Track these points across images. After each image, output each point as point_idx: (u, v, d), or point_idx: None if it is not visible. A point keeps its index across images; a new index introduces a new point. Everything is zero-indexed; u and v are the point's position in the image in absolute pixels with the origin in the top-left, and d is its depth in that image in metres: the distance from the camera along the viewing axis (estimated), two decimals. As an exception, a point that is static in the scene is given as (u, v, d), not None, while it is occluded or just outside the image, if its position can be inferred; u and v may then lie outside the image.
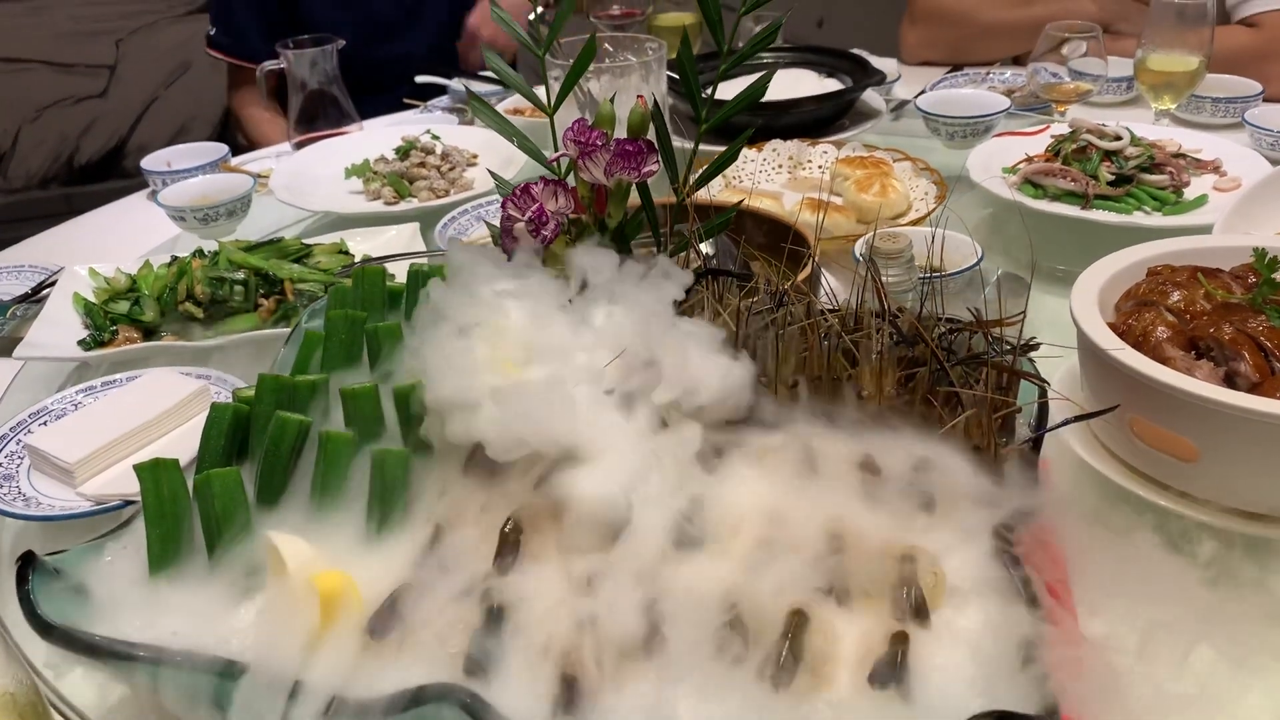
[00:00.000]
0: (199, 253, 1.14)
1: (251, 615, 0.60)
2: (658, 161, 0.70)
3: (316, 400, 0.70)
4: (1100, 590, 0.62)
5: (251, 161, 1.68)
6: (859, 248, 1.01)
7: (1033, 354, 0.70)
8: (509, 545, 0.60)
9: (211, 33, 2.00)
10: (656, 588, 0.57)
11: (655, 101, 0.83)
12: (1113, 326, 0.78)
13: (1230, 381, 0.73)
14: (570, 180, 0.73)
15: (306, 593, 0.59)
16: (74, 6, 3.29)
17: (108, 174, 3.52)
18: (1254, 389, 0.72)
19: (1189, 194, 1.22)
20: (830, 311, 0.69)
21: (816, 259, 0.71)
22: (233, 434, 0.69)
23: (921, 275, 0.76)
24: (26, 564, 0.61)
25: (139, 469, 0.65)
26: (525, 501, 0.62)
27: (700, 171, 0.74)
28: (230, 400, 0.71)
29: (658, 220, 0.73)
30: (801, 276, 0.77)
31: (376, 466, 0.64)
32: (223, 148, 1.57)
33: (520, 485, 0.63)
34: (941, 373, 0.66)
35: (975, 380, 0.67)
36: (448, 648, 0.56)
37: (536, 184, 0.70)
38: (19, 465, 0.89)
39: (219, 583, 0.62)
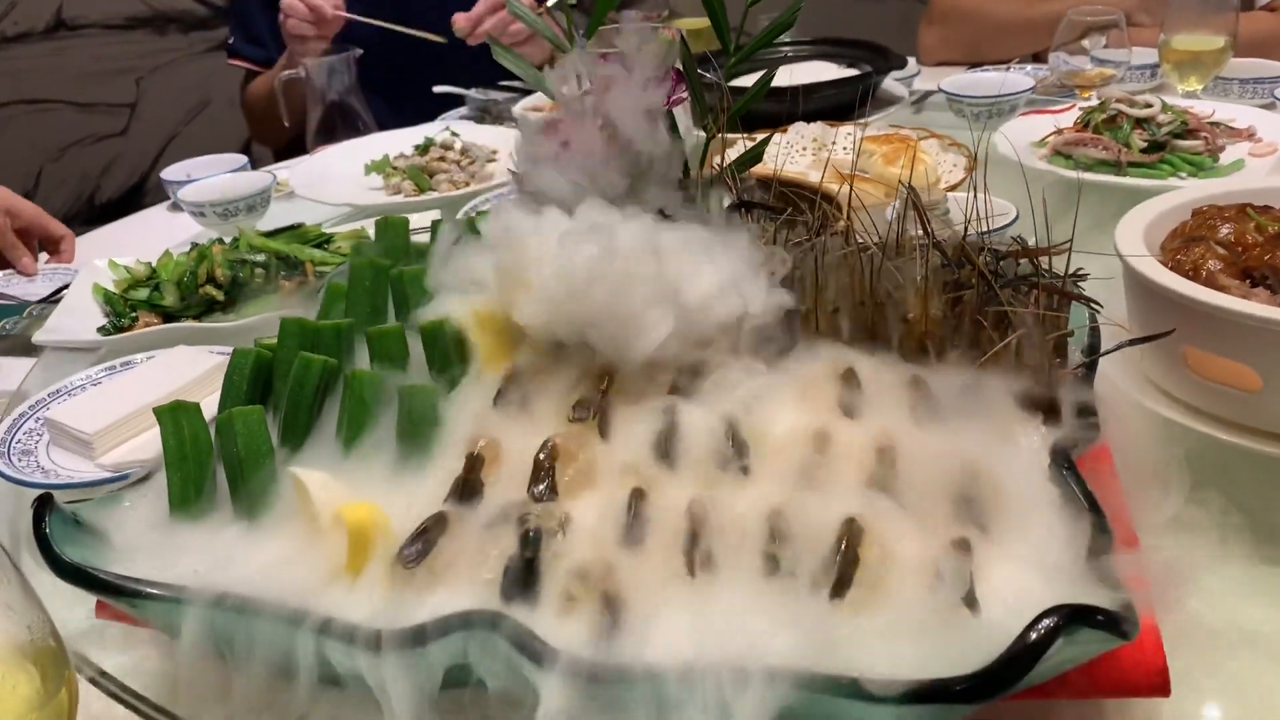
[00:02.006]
0: (219, 240, 1.13)
1: (276, 552, 0.58)
2: (685, 90, 0.68)
3: (342, 345, 0.68)
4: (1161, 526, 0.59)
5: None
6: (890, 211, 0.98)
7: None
8: (544, 472, 0.57)
9: (230, 42, 2.00)
10: (701, 507, 0.54)
11: (701, 90, 0.79)
12: (1161, 265, 0.75)
13: (1290, 308, 0.70)
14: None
15: (333, 525, 0.56)
16: (95, 46, 3.33)
17: (128, 211, 3.54)
18: (1315, 313, 0.68)
19: (1224, 159, 1.19)
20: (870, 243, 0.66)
21: (852, 192, 0.69)
22: (255, 380, 0.67)
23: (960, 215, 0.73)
24: (43, 506, 0.58)
25: (159, 411, 0.63)
26: (560, 429, 0.60)
27: (738, 104, 0.72)
28: (253, 357, 0.69)
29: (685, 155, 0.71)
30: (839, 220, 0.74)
31: (403, 401, 0.61)
32: (242, 158, 1.57)
33: (553, 415, 0.61)
34: (990, 294, 0.63)
35: (1024, 304, 0.64)
36: (484, 574, 0.54)
37: (560, 118, 0.68)
38: (38, 441, 0.87)
39: (242, 523, 0.60)
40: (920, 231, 0.67)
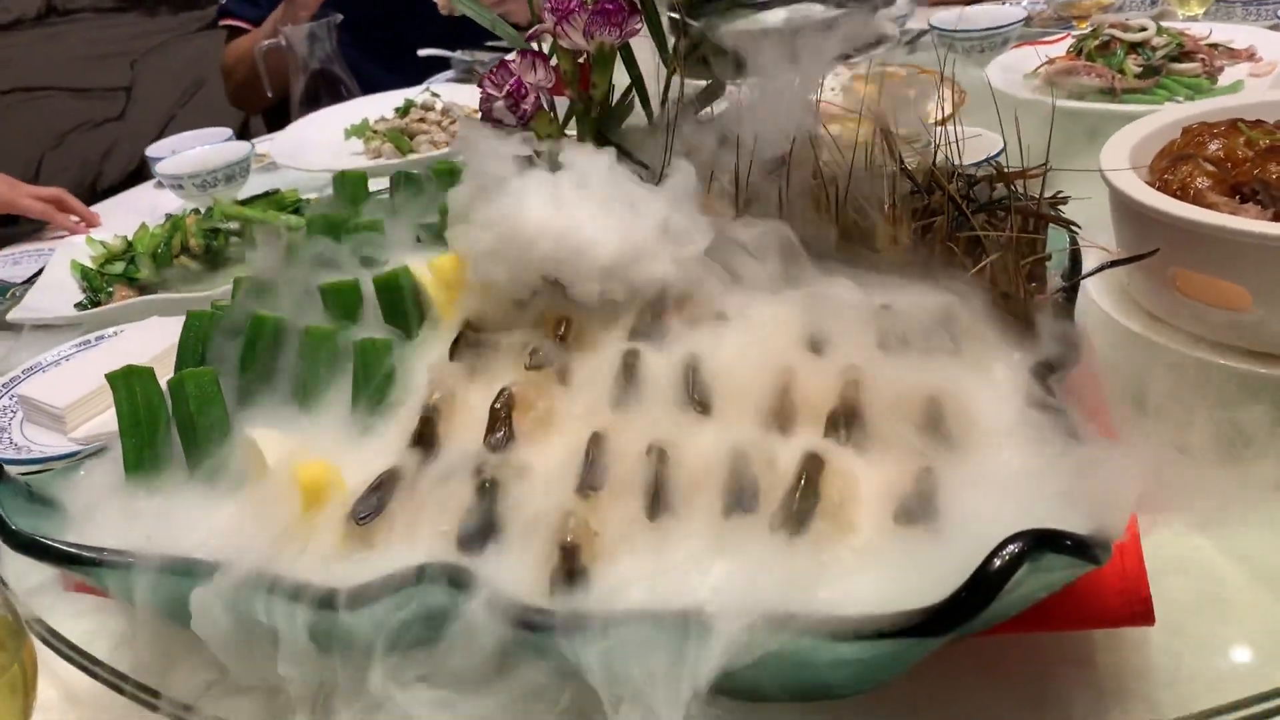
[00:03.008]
0: (195, 211, 1.11)
1: (231, 514, 0.56)
2: (640, 21, 0.65)
3: (297, 301, 0.66)
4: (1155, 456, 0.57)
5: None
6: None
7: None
8: (500, 421, 0.55)
9: (223, 2, 1.97)
10: (659, 449, 0.52)
11: (660, 20, 0.77)
12: (1148, 185, 0.72)
13: (1280, 222, 0.67)
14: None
15: (287, 485, 0.55)
16: (88, 31, 3.31)
17: (126, 193, 3.53)
18: (1308, 226, 0.65)
19: (1224, 81, 1.15)
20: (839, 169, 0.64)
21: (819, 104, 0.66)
22: (209, 342, 0.65)
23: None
24: (-6, 476, 0.57)
25: (110, 377, 0.62)
26: (518, 378, 0.58)
27: (695, 36, 0.69)
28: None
29: (647, 92, 0.68)
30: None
31: (359, 355, 0.60)
32: (226, 131, 1.55)
33: (511, 364, 0.59)
34: (962, 220, 0.60)
35: (1001, 229, 0.61)
36: (440, 527, 0.52)
37: (513, 59, 0.65)
38: (12, 419, 0.86)
39: (197, 486, 0.59)
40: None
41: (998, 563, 0.41)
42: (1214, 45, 1.19)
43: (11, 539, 0.54)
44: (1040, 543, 0.41)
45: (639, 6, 0.65)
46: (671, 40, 1.05)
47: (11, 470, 0.58)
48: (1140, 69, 1.14)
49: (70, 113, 3.34)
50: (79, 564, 0.53)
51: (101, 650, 0.60)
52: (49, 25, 3.22)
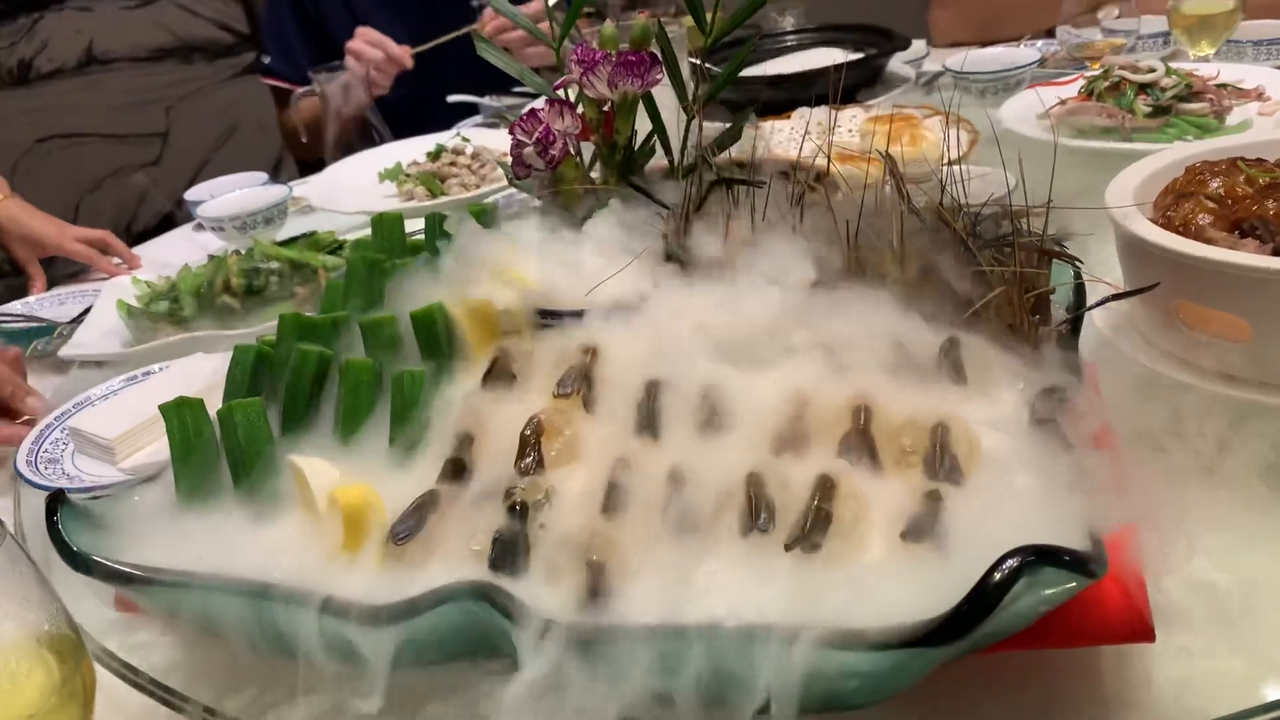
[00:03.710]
0: (235, 251, 1.16)
1: (277, 536, 0.60)
2: (662, 72, 0.69)
3: (338, 337, 0.70)
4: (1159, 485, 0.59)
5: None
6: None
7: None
8: (530, 447, 0.59)
9: (266, 61, 2.04)
10: (681, 473, 0.55)
11: (680, 71, 0.81)
12: (1151, 222, 0.75)
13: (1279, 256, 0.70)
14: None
15: (328, 507, 0.58)
16: (125, 79, 3.40)
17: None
18: (1304, 259, 0.68)
19: (1231, 121, 1.18)
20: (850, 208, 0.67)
21: (830, 167, 0.69)
22: (256, 374, 0.69)
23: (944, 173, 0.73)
24: (55, 500, 0.61)
25: (164, 408, 0.65)
26: (544, 406, 0.61)
27: (714, 83, 0.73)
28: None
29: (668, 137, 0.72)
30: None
31: (396, 386, 0.63)
32: (262, 175, 1.61)
33: (539, 393, 0.62)
34: (968, 256, 0.63)
35: (1005, 265, 0.64)
36: (473, 547, 0.55)
37: (542, 107, 0.69)
38: (64, 450, 0.90)
39: (244, 510, 0.62)
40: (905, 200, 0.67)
41: (997, 576, 0.44)
42: (1223, 85, 1.22)
43: (73, 560, 0.58)
44: (1038, 558, 0.44)
45: (660, 58, 0.69)
46: (692, 86, 1.09)
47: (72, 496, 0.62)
48: (1149, 109, 1.17)
49: (107, 158, 3.42)
50: (135, 583, 0.57)
51: (156, 671, 0.63)
52: (88, 74, 3.30)
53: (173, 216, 3.58)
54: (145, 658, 0.64)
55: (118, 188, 3.48)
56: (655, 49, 0.71)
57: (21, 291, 1.43)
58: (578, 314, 0.63)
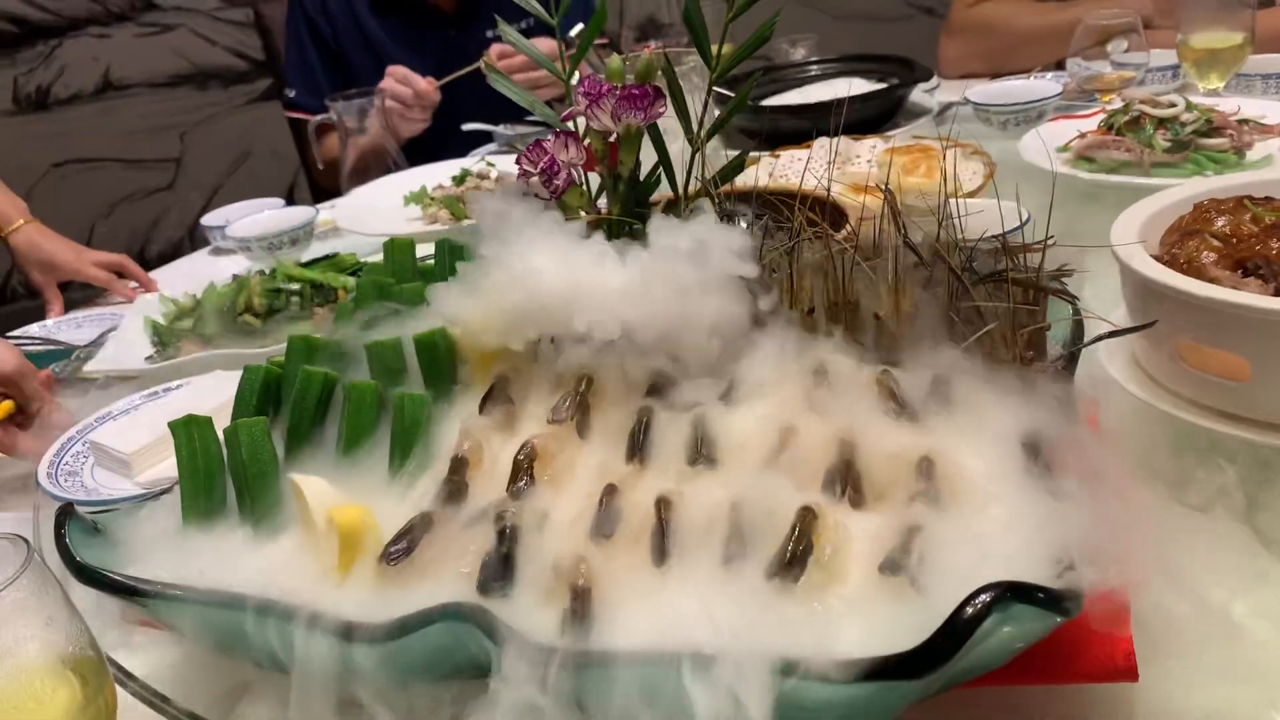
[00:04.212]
0: (260, 271, 1.18)
1: (276, 553, 0.61)
2: (665, 105, 0.70)
3: (345, 358, 0.71)
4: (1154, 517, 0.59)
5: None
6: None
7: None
8: (523, 471, 0.60)
9: (290, 95, 2.08)
10: (668, 501, 0.56)
11: (686, 105, 0.82)
12: (1156, 259, 0.75)
13: (1281, 296, 0.70)
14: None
15: (326, 527, 0.60)
16: (141, 105, 3.46)
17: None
18: (1306, 299, 0.68)
19: (1252, 156, 1.17)
20: (847, 242, 0.68)
21: (831, 197, 0.70)
22: (264, 394, 0.71)
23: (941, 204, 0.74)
24: (64, 515, 0.63)
25: (173, 425, 0.67)
26: (538, 432, 0.62)
27: (717, 119, 0.74)
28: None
29: (673, 169, 0.73)
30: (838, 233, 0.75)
31: (397, 409, 0.64)
32: (279, 201, 1.63)
33: (535, 419, 0.63)
34: (963, 291, 0.64)
35: (1001, 301, 0.65)
36: (462, 569, 0.56)
37: (548, 138, 0.71)
38: (84, 463, 0.92)
39: (246, 527, 0.64)
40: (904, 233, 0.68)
41: (969, 611, 0.44)
42: (1244, 121, 1.21)
43: (79, 571, 0.59)
44: (1011, 594, 0.44)
45: (665, 91, 0.70)
46: (703, 113, 1.10)
47: (80, 509, 0.64)
48: (1169, 144, 1.17)
49: (122, 183, 3.49)
50: (138, 596, 0.58)
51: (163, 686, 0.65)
52: (105, 100, 3.38)
53: (188, 240, 3.63)
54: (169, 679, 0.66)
55: (131, 212, 3.54)
56: (662, 82, 0.72)
57: (39, 314, 1.47)
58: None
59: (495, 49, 1.76)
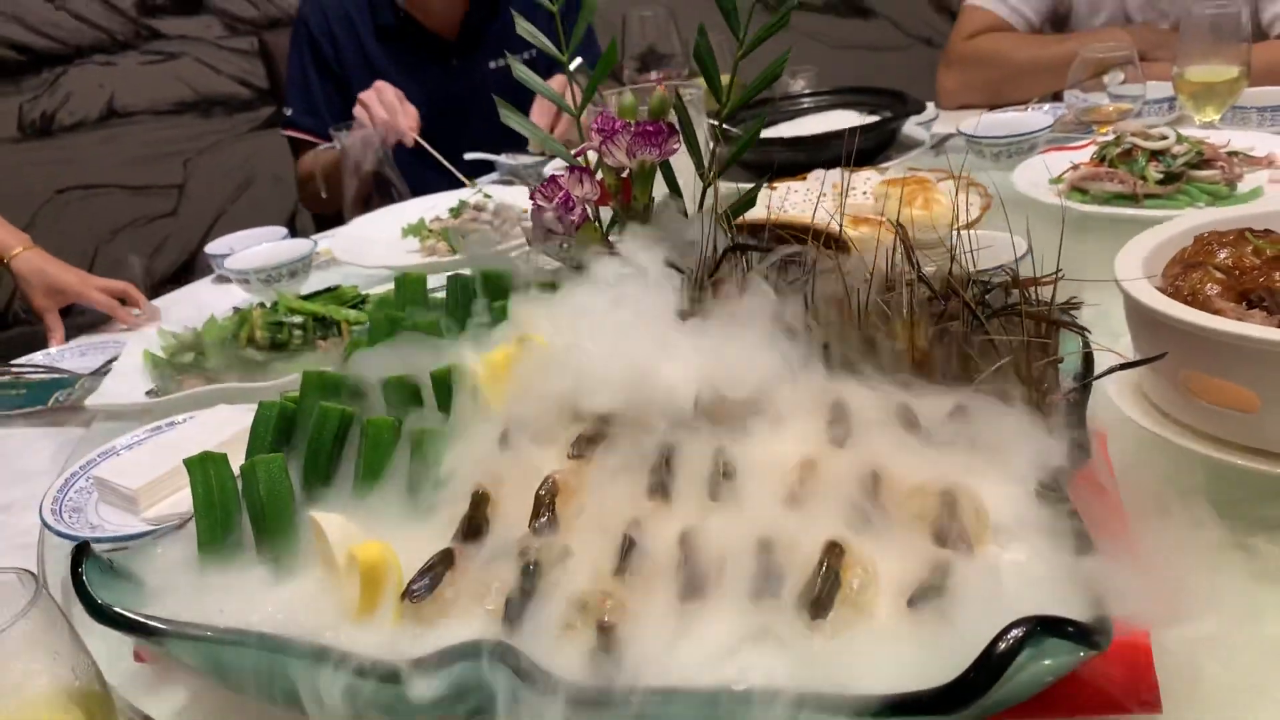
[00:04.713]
0: (260, 304, 1.18)
1: (296, 591, 0.61)
2: (679, 142, 0.71)
3: (359, 393, 0.71)
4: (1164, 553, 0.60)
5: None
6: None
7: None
8: (544, 507, 0.60)
9: (288, 113, 2.08)
10: (692, 535, 0.56)
11: (697, 140, 0.83)
12: (1160, 291, 0.76)
13: (1286, 327, 0.71)
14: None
15: (347, 564, 0.59)
16: (145, 131, 3.47)
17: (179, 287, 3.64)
18: (1311, 331, 0.69)
19: (1243, 188, 1.19)
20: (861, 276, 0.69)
21: (843, 233, 0.71)
22: (279, 430, 0.71)
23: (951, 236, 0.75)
24: (80, 553, 0.62)
25: (188, 462, 0.67)
26: (559, 467, 0.62)
27: (729, 155, 0.75)
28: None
29: (685, 203, 0.74)
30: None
31: (415, 444, 0.65)
32: (282, 230, 1.64)
33: (554, 453, 0.63)
34: (977, 324, 0.65)
35: (1013, 334, 0.65)
36: (486, 606, 0.56)
37: (563, 173, 0.71)
38: (88, 499, 0.92)
39: (265, 564, 0.63)
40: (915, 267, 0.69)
41: (1002, 646, 0.44)
42: (1234, 153, 1.24)
43: (96, 611, 0.59)
44: (1043, 628, 0.45)
45: (678, 128, 0.71)
46: (711, 145, 1.11)
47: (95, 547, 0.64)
48: (1161, 175, 1.18)
49: (125, 208, 3.49)
50: (156, 636, 0.58)
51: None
52: (109, 126, 3.39)
53: (190, 266, 3.63)
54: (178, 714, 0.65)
55: (134, 238, 3.53)
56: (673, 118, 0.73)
57: (38, 339, 1.46)
58: None
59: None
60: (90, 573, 0.61)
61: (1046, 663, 0.46)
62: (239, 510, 0.66)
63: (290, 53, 2.11)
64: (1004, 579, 0.52)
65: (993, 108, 1.82)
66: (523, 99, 1.77)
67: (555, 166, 1.68)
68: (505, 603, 0.55)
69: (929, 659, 0.48)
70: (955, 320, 0.65)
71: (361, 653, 0.54)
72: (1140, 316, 0.75)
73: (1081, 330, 0.66)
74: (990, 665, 0.44)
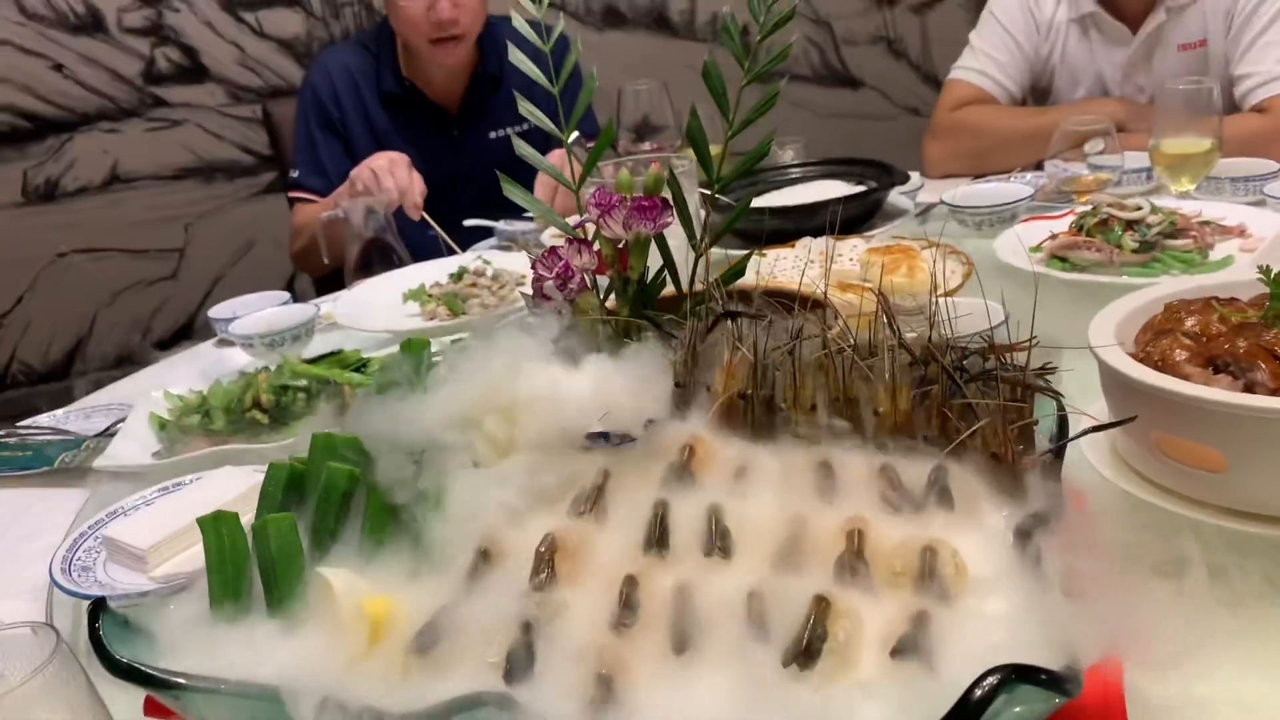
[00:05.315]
0: (265, 368, 1.21)
1: (305, 645, 0.63)
2: (672, 216, 0.75)
3: (366, 455, 0.74)
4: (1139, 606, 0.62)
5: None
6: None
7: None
8: (544, 563, 0.63)
9: (294, 175, 2.12)
10: (686, 591, 0.59)
11: (690, 210, 0.87)
12: (1132, 357, 0.80)
13: (1250, 392, 0.74)
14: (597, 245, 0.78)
15: (355, 618, 0.62)
16: (147, 197, 3.54)
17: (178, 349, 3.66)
18: (1273, 395, 0.73)
19: (1214, 256, 1.24)
20: (845, 342, 0.72)
21: (828, 298, 0.75)
22: (288, 490, 0.73)
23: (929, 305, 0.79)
24: (97, 608, 0.65)
25: (201, 521, 0.70)
26: (560, 523, 0.65)
27: (720, 227, 0.79)
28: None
29: (678, 272, 0.78)
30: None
31: (420, 504, 0.67)
32: (285, 294, 1.67)
33: (553, 512, 0.66)
34: (955, 389, 0.68)
35: (991, 398, 0.69)
36: (489, 659, 0.59)
37: (562, 245, 0.75)
38: (96, 558, 0.94)
39: (275, 619, 0.66)
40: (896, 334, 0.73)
41: (978, 692, 0.47)
42: (1206, 222, 1.29)
43: (112, 666, 0.61)
44: (1016, 675, 0.48)
45: (670, 203, 0.75)
46: (703, 214, 1.15)
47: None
48: (1136, 244, 1.23)
49: (126, 272, 3.54)
50: (171, 689, 0.60)
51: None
52: (112, 191, 3.46)
53: (189, 328, 3.66)
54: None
55: (134, 300, 3.57)
56: (666, 193, 0.77)
57: (36, 400, 1.48)
58: (629, 439, 0.67)
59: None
60: (108, 629, 0.63)
61: (1020, 709, 0.49)
62: (249, 566, 0.68)
63: (297, 116, 2.16)
64: (982, 629, 0.55)
65: (976, 177, 1.89)
66: (522, 167, 1.82)
67: (551, 233, 1.73)
68: (506, 655, 0.58)
69: (911, 707, 0.51)
70: (935, 385, 0.69)
71: (368, 703, 0.56)
72: (1113, 381, 0.79)
73: (1055, 394, 0.70)
74: (966, 711, 0.46)
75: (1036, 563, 0.58)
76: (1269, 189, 1.43)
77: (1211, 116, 1.43)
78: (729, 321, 0.74)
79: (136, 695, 0.68)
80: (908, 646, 0.53)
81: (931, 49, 4.04)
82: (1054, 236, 1.32)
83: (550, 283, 0.75)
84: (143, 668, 0.61)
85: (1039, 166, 1.87)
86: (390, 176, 1.76)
